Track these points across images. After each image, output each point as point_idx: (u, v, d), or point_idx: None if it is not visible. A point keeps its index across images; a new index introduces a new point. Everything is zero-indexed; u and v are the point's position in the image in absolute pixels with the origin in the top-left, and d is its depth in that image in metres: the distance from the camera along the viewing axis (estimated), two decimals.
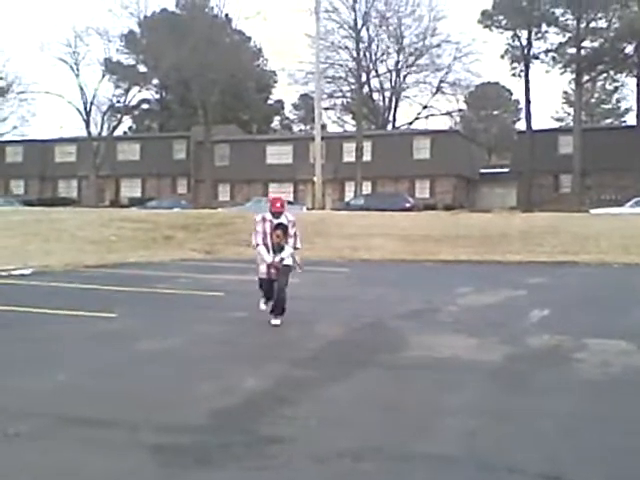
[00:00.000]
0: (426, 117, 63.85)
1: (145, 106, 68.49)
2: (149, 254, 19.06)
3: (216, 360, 6.61)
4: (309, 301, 10.33)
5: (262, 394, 5.45)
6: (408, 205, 36.14)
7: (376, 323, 8.80)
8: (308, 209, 37.67)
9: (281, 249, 8.43)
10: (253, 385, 5.65)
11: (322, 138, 39.36)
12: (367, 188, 46.37)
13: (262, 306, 8.69)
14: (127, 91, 53.09)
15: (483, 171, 52.55)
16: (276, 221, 8.40)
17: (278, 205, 8.43)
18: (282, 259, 8.41)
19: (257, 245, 8.41)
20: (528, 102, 46.79)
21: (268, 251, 8.42)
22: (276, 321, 8.47)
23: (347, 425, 4.67)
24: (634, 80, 45.29)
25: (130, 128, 69.91)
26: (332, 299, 11.13)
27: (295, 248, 8.60)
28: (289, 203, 36.22)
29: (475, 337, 7.72)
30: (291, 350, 7.14)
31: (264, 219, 8.46)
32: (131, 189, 53.67)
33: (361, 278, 14.86)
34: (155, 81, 60.76)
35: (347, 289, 12.70)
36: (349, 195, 46.04)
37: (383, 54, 57.12)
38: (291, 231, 8.47)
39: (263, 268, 8.51)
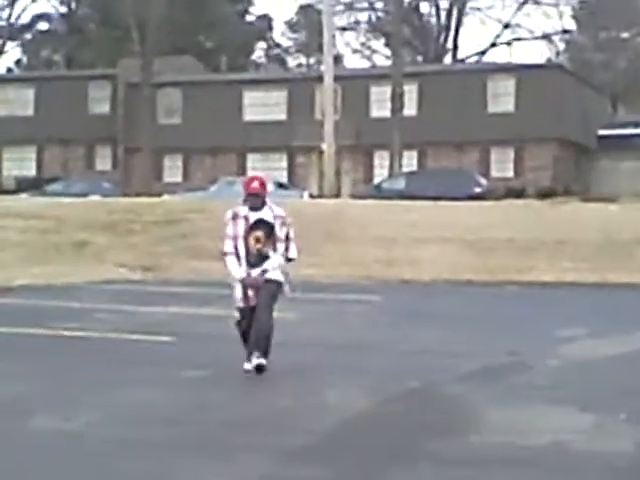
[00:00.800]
0: (508, 43, 64.07)
1: (43, 26, 68.98)
2: (50, 272, 19.09)
3: (157, 450, 6.59)
4: (315, 349, 10.32)
5: None
6: (478, 190, 36.11)
7: (425, 388, 8.79)
8: (312, 196, 37.68)
9: (263, 260, 8.52)
10: None
11: (335, 78, 39.33)
12: (411, 161, 46.40)
13: (246, 366, 8.77)
14: (13, 1, 53.45)
15: (603, 133, 52.44)
16: (254, 216, 8.53)
17: (255, 185, 8.59)
18: (264, 271, 8.58)
19: (225, 254, 8.68)
20: None
21: (240, 263, 8.56)
22: (259, 360, 8.56)
23: None
24: None
25: (18, 62, 70.42)
26: (353, 347, 11.12)
27: (288, 259, 8.70)
28: (281, 187, 36.90)
29: (591, 412, 7.72)
30: (282, 433, 7.12)
31: (236, 215, 8.66)
32: (20, 164, 53.87)
33: (400, 312, 14.83)
34: None
35: (377, 330, 12.68)
36: (381, 174, 46.06)
37: None
38: (280, 232, 8.63)
39: (238, 291, 8.70)
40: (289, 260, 8.79)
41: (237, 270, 8.63)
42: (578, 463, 6.33)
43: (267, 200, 8.72)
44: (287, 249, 8.69)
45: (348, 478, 5.96)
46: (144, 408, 7.92)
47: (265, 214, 8.60)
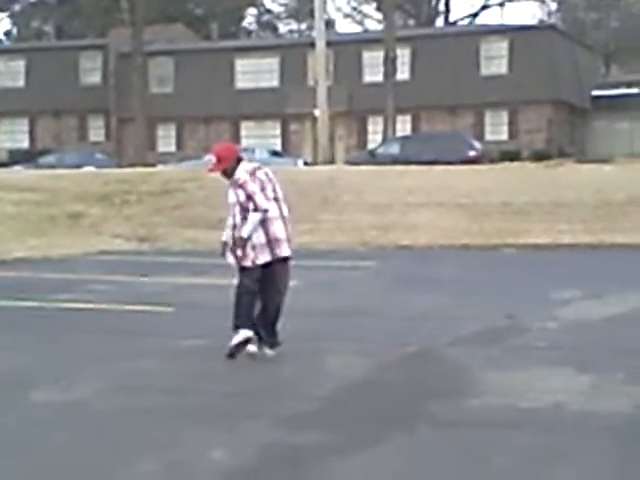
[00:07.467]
0: (501, 4, 63.71)
1: None
2: (45, 244, 19.11)
3: (159, 419, 6.65)
4: (313, 316, 10.37)
5: (237, 475, 5.48)
6: (473, 154, 36.11)
7: (422, 352, 8.86)
8: (307, 164, 37.65)
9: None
10: (222, 460, 5.69)
11: (327, 44, 39.17)
12: (404, 126, 46.30)
13: (251, 348, 8.50)
14: None
15: (597, 93, 52.33)
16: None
17: (210, 167, 8.55)
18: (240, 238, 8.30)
19: (266, 211, 8.25)
20: None
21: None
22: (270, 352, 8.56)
23: None
24: None
25: (8, 34, 69.92)
26: (350, 313, 11.18)
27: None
28: (275, 154, 36.85)
29: (588, 373, 7.79)
30: (284, 400, 7.18)
31: (253, 173, 8.38)
32: (12, 136, 53.69)
33: (397, 277, 14.88)
34: None
35: (374, 296, 12.75)
36: (374, 139, 46.00)
37: None
38: (236, 197, 8.32)
39: (265, 253, 8.32)
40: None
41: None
42: (576, 424, 6.40)
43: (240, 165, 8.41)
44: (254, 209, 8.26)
45: (349, 442, 6.00)
46: (145, 378, 7.96)
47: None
